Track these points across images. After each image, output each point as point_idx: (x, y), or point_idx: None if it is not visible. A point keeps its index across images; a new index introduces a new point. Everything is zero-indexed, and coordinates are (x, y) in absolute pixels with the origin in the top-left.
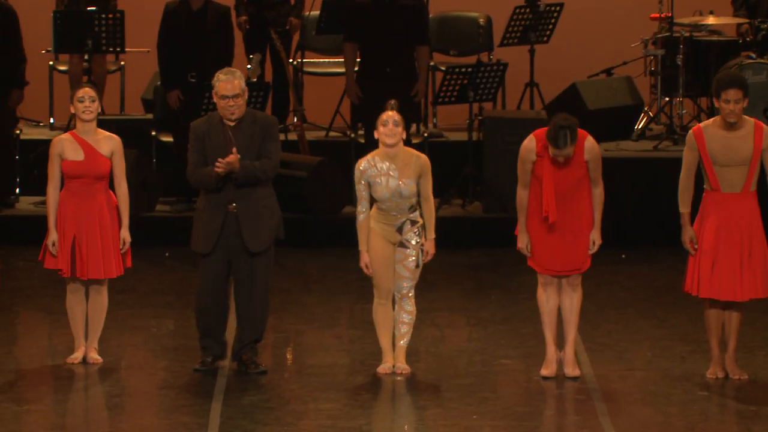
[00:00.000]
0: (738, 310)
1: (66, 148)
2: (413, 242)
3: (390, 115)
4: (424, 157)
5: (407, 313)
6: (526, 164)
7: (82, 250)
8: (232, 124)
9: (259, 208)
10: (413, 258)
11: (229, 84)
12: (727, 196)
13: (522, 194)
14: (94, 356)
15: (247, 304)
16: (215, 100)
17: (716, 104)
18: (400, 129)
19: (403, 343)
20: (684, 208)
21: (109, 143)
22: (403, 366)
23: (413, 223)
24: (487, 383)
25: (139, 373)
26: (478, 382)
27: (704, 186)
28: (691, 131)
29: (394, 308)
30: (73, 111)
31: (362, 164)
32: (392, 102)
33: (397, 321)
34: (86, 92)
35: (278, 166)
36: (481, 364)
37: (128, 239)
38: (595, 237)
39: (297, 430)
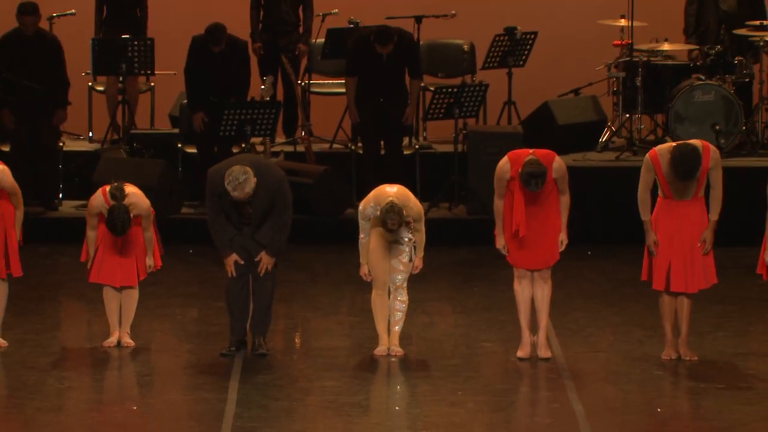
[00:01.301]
0: (689, 299)
1: (102, 207)
2: (406, 239)
3: (388, 233)
4: (417, 207)
5: (401, 302)
6: (501, 181)
7: (113, 261)
8: None
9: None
10: (407, 253)
11: (241, 195)
12: (679, 203)
13: (498, 204)
14: (127, 340)
15: (259, 297)
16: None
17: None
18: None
19: (397, 328)
20: (645, 216)
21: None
22: (397, 348)
23: (406, 224)
24: (471, 364)
25: (167, 355)
26: (463, 362)
27: (659, 193)
28: (648, 155)
29: (389, 298)
30: None
31: (368, 210)
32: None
33: (392, 309)
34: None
35: (290, 216)
36: (466, 347)
37: (152, 265)
38: (563, 237)
39: (304, 405)
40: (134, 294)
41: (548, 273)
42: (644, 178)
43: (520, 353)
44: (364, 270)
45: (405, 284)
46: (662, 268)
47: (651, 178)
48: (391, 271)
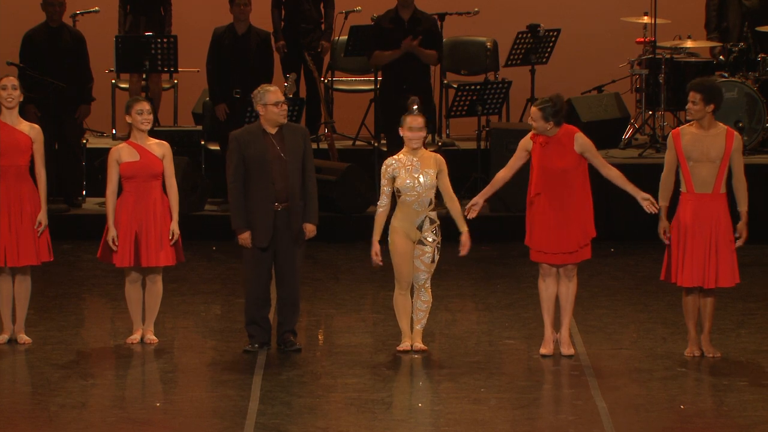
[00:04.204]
0: (711, 296)
1: (123, 153)
2: (430, 240)
3: (414, 121)
4: (440, 156)
5: (424, 302)
6: (520, 151)
7: (142, 242)
8: (274, 131)
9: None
10: (429, 254)
11: (279, 92)
12: (700, 196)
13: (500, 172)
14: (151, 337)
15: (289, 291)
16: (263, 110)
17: None
18: (422, 133)
19: (419, 327)
20: (663, 201)
21: (160, 148)
22: (420, 345)
23: (432, 222)
24: (493, 361)
25: (190, 352)
26: (485, 359)
27: (680, 189)
28: (670, 132)
29: (412, 296)
30: (129, 121)
31: (389, 161)
32: (415, 101)
33: (415, 308)
34: (143, 105)
35: (315, 176)
36: (488, 344)
37: (177, 232)
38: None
39: (327, 402)
40: (158, 289)
41: (574, 271)
42: (667, 158)
43: (542, 350)
44: (375, 248)
45: (428, 284)
46: (680, 262)
47: (673, 158)
48: (414, 270)
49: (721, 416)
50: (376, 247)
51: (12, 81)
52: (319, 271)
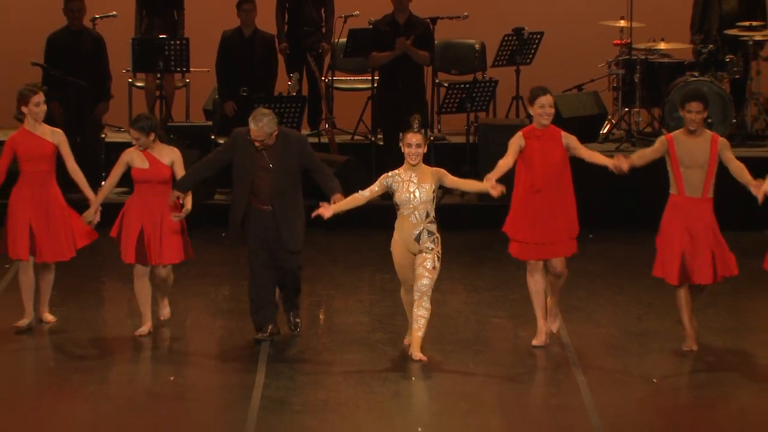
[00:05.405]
0: (703, 293)
1: (134, 158)
2: (429, 248)
3: (413, 138)
4: (438, 169)
5: (425, 309)
6: (514, 145)
7: (148, 241)
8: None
9: (293, 210)
10: (429, 260)
11: (257, 130)
12: (689, 199)
13: (502, 160)
14: (165, 312)
15: (287, 292)
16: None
17: (681, 114)
18: (421, 150)
19: (420, 334)
20: (635, 157)
21: (169, 155)
22: (418, 355)
23: (430, 234)
24: (481, 338)
25: (200, 331)
26: (474, 337)
27: (670, 191)
28: (663, 137)
29: (414, 305)
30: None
31: (389, 173)
32: (416, 119)
33: (415, 315)
34: (133, 134)
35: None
36: (476, 323)
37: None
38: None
39: (327, 376)
40: (169, 281)
41: (564, 269)
42: (655, 147)
43: (535, 342)
44: (327, 206)
45: (430, 291)
46: (675, 262)
47: (657, 153)
48: (417, 278)
49: (692, 389)
50: (330, 207)
51: (42, 97)
52: (319, 255)
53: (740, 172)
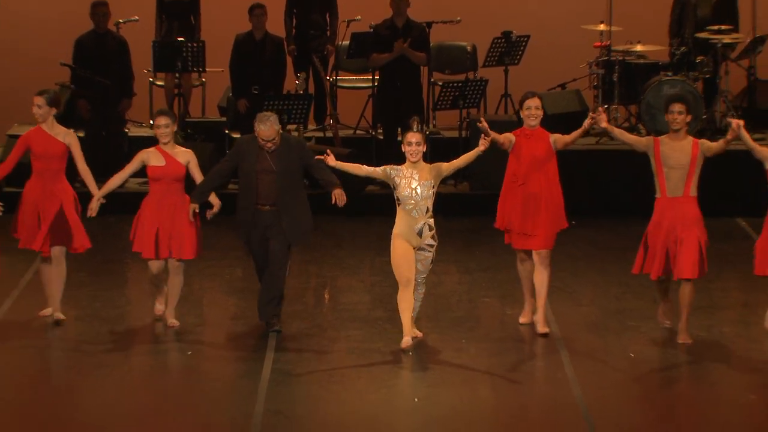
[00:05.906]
0: (689, 287)
1: (151, 157)
2: (430, 245)
3: (413, 137)
4: (437, 163)
5: (421, 294)
6: (508, 135)
7: (162, 237)
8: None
9: (297, 209)
10: (429, 258)
11: (265, 128)
12: (672, 199)
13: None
14: (172, 321)
15: (273, 282)
16: (256, 133)
17: (666, 117)
18: (421, 147)
19: (414, 313)
20: (617, 129)
21: (185, 155)
22: (415, 331)
23: (430, 228)
24: (473, 316)
25: (215, 308)
26: (466, 315)
27: (656, 195)
28: (651, 136)
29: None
30: (154, 132)
31: (395, 167)
32: (415, 120)
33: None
34: (161, 120)
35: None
36: (468, 302)
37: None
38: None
39: (332, 350)
40: (180, 278)
41: (548, 260)
42: (639, 139)
43: (521, 320)
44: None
45: (425, 278)
46: (656, 258)
47: (641, 146)
48: (417, 272)
49: (666, 363)
50: (331, 157)
51: (40, 100)
52: (325, 239)
53: (718, 144)
